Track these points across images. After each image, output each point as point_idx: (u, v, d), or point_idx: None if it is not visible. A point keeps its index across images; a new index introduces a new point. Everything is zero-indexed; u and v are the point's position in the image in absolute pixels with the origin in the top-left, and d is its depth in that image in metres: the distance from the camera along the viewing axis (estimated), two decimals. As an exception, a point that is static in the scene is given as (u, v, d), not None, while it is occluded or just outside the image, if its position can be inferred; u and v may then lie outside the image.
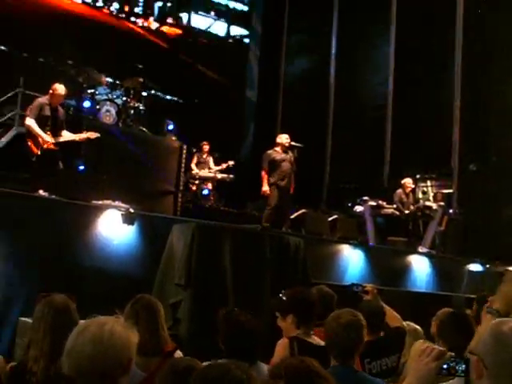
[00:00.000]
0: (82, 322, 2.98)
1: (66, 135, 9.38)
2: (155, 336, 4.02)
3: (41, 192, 8.57)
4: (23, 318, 6.26)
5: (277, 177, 11.01)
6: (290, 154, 11.17)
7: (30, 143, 8.99)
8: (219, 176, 14.07)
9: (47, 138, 9.03)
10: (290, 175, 11.18)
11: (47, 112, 9.19)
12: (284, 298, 4.75)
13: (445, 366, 2.62)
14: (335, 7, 19.02)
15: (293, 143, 11.22)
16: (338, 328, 3.80)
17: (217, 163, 14.23)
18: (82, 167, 10.21)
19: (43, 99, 9.33)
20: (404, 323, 5.46)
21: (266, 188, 10.94)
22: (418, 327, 5.79)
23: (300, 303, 4.63)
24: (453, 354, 2.67)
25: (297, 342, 4.41)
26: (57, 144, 9.15)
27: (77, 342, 2.65)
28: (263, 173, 10.97)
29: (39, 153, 8.96)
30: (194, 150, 14.05)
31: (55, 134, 9.21)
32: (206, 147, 14.20)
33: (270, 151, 11.19)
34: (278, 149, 11.17)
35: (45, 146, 8.99)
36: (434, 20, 16.11)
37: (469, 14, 15.37)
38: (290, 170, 11.14)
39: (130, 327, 2.80)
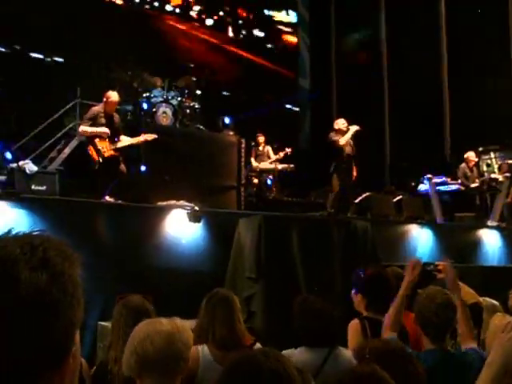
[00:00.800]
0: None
1: (124, 140, 9.49)
2: (233, 330, 4.04)
3: (107, 198, 8.73)
4: (102, 323, 6.38)
5: (339, 161, 11.04)
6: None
7: (90, 151, 9.12)
8: (280, 167, 14.06)
9: (104, 129, 9.18)
10: (351, 158, 11.19)
11: (103, 120, 9.31)
12: (361, 275, 4.76)
13: None
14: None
15: (350, 127, 11.19)
16: (437, 308, 3.73)
17: (276, 153, 14.23)
18: (144, 170, 10.32)
19: (98, 108, 9.47)
20: (480, 299, 5.36)
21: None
22: (495, 302, 5.68)
23: (372, 286, 4.61)
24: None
25: (367, 321, 4.42)
26: (117, 150, 9.30)
27: (146, 341, 2.72)
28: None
29: (101, 160, 9.09)
30: (253, 144, 14.07)
31: (113, 140, 9.33)
32: (262, 138, 14.19)
33: (332, 133, 11.23)
34: (333, 133, 11.20)
35: (105, 152, 9.14)
36: None
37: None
38: (351, 153, 11.16)
39: (188, 328, 2.88)
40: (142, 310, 3.80)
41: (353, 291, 4.77)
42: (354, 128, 11.21)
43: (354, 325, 4.44)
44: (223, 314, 4.06)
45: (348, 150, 11.17)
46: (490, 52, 15.54)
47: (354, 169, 11.42)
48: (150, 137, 9.59)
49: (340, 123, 11.32)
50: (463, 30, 16.38)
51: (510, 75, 14.88)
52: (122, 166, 9.29)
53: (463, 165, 13.15)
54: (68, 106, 12.03)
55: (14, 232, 1.35)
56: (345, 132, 11.17)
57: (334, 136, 11.22)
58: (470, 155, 13.24)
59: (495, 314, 4.35)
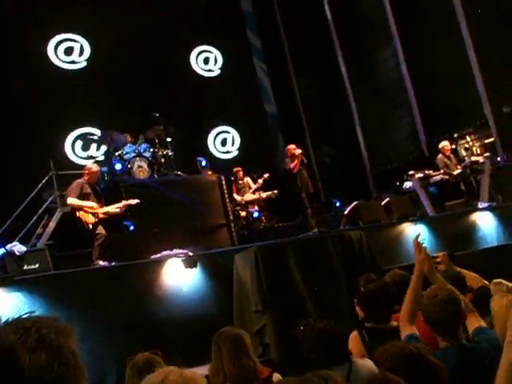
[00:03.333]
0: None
1: (107, 208, 9.67)
2: (240, 365, 4.04)
3: (100, 263, 8.72)
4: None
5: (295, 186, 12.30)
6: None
7: (82, 216, 9.28)
8: (264, 195, 14.12)
9: (91, 204, 9.39)
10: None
11: (88, 190, 9.60)
12: (360, 288, 4.83)
13: None
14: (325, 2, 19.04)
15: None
16: (440, 305, 3.74)
17: (255, 182, 14.34)
18: (131, 228, 10.34)
19: (81, 180, 9.65)
20: (493, 282, 5.31)
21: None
22: (506, 282, 5.64)
23: (368, 300, 4.67)
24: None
25: (365, 330, 4.57)
26: (105, 213, 9.45)
27: None
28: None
29: (93, 221, 9.22)
30: (232, 179, 14.14)
31: (101, 206, 9.55)
32: (240, 172, 14.32)
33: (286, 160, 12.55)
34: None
35: (96, 212, 9.31)
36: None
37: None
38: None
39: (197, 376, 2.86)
40: (148, 368, 3.79)
41: (355, 300, 4.82)
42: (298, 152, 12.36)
43: (353, 335, 4.51)
44: (228, 352, 4.07)
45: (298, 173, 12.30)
46: (441, 41, 15.69)
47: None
48: (132, 202, 9.76)
49: (291, 149, 12.50)
50: (413, 26, 16.56)
51: (466, 53, 14.99)
52: (101, 228, 9.33)
53: (440, 155, 13.26)
54: (44, 181, 12.01)
55: (3, 319, 1.36)
56: (295, 157, 12.29)
57: (286, 162, 12.42)
58: (444, 144, 13.38)
59: (498, 295, 4.36)
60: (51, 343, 1.31)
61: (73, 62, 16.14)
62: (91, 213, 9.31)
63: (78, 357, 1.38)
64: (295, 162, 12.27)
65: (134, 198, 9.84)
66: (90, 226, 9.26)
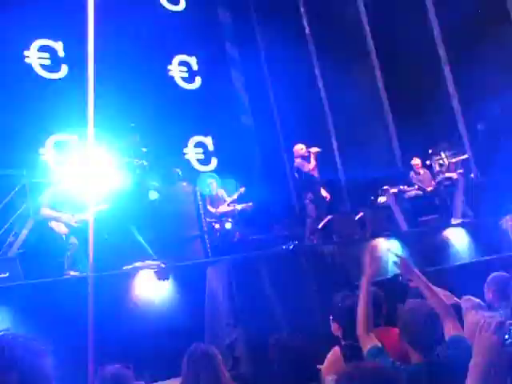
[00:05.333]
0: None
1: (80, 215, 9.46)
2: None
3: (71, 273, 8.64)
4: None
5: (310, 187, 11.20)
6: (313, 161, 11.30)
7: (54, 226, 9.11)
8: (239, 207, 14.08)
9: (67, 217, 9.21)
10: (319, 181, 11.38)
11: (61, 197, 9.35)
12: (337, 304, 4.79)
13: (507, 337, 2.56)
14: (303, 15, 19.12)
15: (310, 149, 11.34)
16: (424, 320, 3.74)
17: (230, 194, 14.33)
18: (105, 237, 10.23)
19: (54, 187, 9.52)
20: (463, 298, 5.34)
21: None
22: (479, 301, 5.66)
23: (344, 316, 4.64)
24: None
25: (345, 347, 4.50)
26: (77, 222, 9.28)
27: None
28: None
29: (66, 229, 9.08)
30: (208, 190, 14.09)
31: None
32: (214, 184, 14.26)
33: (297, 160, 11.53)
34: (299, 160, 11.31)
35: (71, 222, 9.18)
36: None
37: None
38: (317, 176, 11.34)
39: None
40: (115, 379, 3.75)
41: (331, 317, 4.78)
42: (314, 150, 11.37)
43: (334, 352, 4.46)
44: (207, 373, 3.99)
45: (315, 173, 11.31)
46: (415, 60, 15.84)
47: (324, 190, 11.61)
48: (103, 207, 9.61)
49: (299, 149, 11.48)
50: (389, 43, 16.69)
51: (441, 70, 15.14)
52: (73, 238, 9.23)
53: (412, 172, 13.40)
54: (17, 188, 11.89)
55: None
56: (307, 156, 11.30)
57: (300, 164, 11.33)
58: (414, 162, 13.57)
59: (468, 312, 4.38)
60: (23, 364, 1.29)
61: (51, 69, 16.00)
62: (64, 222, 9.18)
63: (51, 378, 1.35)
64: (313, 163, 11.39)
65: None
66: (64, 237, 9.14)
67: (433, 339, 3.77)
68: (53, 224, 9.12)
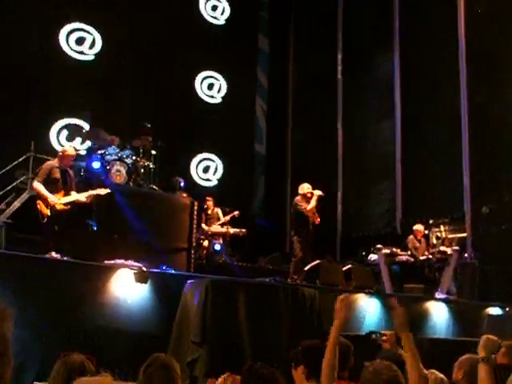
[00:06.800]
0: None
1: (75, 195, 9.38)
2: None
3: (53, 254, 8.57)
4: (38, 383, 6.18)
5: (302, 227, 11.16)
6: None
7: (39, 205, 8.97)
8: (231, 231, 14.07)
9: (53, 198, 9.02)
10: (312, 226, 11.36)
11: (57, 175, 9.24)
12: (299, 349, 4.71)
13: None
14: (338, 62, 19.29)
15: (314, 191, 11.34)
16: None
17: (226, 215, 14.32)
18: (94, 227, 10.18)
19: (53, 162, 9.39)
20: (428, 371, 5.32)
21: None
22: (443, 376, 5.65)
23: (310, 355, 4.56)
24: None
25: None
26: (66, 204, 9.17)
27: None
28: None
29: (49, 214, 8.94)
30: (205, 207, 14.09)
31: (66, 195, 9.24)
32: (210, 202, 14.27)
33: (297, 198, 11.49)
34: (300, 198, 11.33)
35: (55, 206, 8.99)
36: (440, 69, 16.30)
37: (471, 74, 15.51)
38: (312, 220, 11.30)
39: None
40: (80, 369, 3.69)
41: (292, 365, 4.70)
42: (317, 193, 11.35)
43: None
44: None
45: (311, 217, 11.30)
46: (439, 129, 15.95)
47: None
48: (103, 191, 9.51)
49: (305, 188, 11.50)
50: (416, 109, 16.81)
51: (460, 148, 15.24)
52: (72, 222, 9.15)
53: (411, 237, 13.38)
54: (21, 159, 11.89)
55: None
56: (309, 198, 11.31)
57: (299, 201, 11.33)
58: (418, 228, 13.50)
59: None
60: None
61: (81, 53, 16.06)
62: (50, 205, 9.04)
63: (8, 342, 1.32)
64: (312, 205, 11.27)
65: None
66: (45, 219, 8.99)
67: None
68: (39, 203, 8.99)
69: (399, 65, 17.48)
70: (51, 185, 9.17)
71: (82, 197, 9.35)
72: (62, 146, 14.66)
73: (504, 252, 13.79)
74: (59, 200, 9.05)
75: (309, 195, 11.36)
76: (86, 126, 14.71)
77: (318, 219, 11.49)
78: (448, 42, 16.11)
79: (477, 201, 14.61)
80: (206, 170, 18.48)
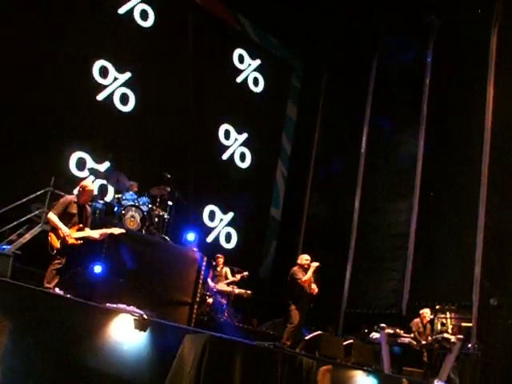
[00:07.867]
0: None
1: (88, 231, 9.24)
2: None
3: (56, 290, 8.54)
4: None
5: (298, 296, 11.15)
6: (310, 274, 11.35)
7: (50, 237, 8.84)
8: (237, 291, 14.06)
9: (66, 230, 8.88)
10: (308, 297, 11.36)
11: (74, 210, 9.14)
12: None
13: None
14: (363, 135, 19.46)
15: (312, 264, 11.41)
16: None
17: (234, 274, 14.34)
18: (101, 268, 10.13)
19: (71, 197, 9.32)
20: None
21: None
22: None
23: None
24: None
25: None
26: (78, 239, 9.04)
27: None
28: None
29: (58, 246, 8.85)
30: (214, 264, 14.12)
31: (79, 231, 9.15)
32: (221, 260, 14.34)
33: (295, 268, 11.54)
34: (297, 268, 11.39)
35: (65, 239, 8.91)
36: (462, 155, 16.43)
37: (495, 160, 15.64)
38: (309, 291, 11.31)
39: None
40: None
41: None
42: (314, 265, 11.43)
43: None
44: None
45: (306, 287, 11.32)
46: (455, 215, 15.99)
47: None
48: (117, 231, 9.48)
49: (304, 259, 11.63)
50: (435, 192, 16.87)
51: (473, 238, 15.23)
52: (62, 257, 9.00)
53: (417, 320, 13.29)
54: (38, 193, 11.99)
55: None
56: (307, 268, 11.38)
57: (296, 271, 11.39)
58: (425, 312, 13.43)
59: None
60: None
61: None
62: (61, 237, 8.94)
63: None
64: (308, 277, 11.35)
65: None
66: (54, 252, 8.87)
67: None
68: (50, 234, 8.91)
69: (423, 145, 17.61)
70: (67, 219, 9.05)
71: (96, 234, 9.22)
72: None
73: (509, 346, 13.62)
74: (71, 232, 8.95)
75: (306, 266, 11.48)
76: (105, 168, 14.82)
77: (316, 290, 11.60)
78: (473, 130, 16.26)
79: (485, 292, 14.50)
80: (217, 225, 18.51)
